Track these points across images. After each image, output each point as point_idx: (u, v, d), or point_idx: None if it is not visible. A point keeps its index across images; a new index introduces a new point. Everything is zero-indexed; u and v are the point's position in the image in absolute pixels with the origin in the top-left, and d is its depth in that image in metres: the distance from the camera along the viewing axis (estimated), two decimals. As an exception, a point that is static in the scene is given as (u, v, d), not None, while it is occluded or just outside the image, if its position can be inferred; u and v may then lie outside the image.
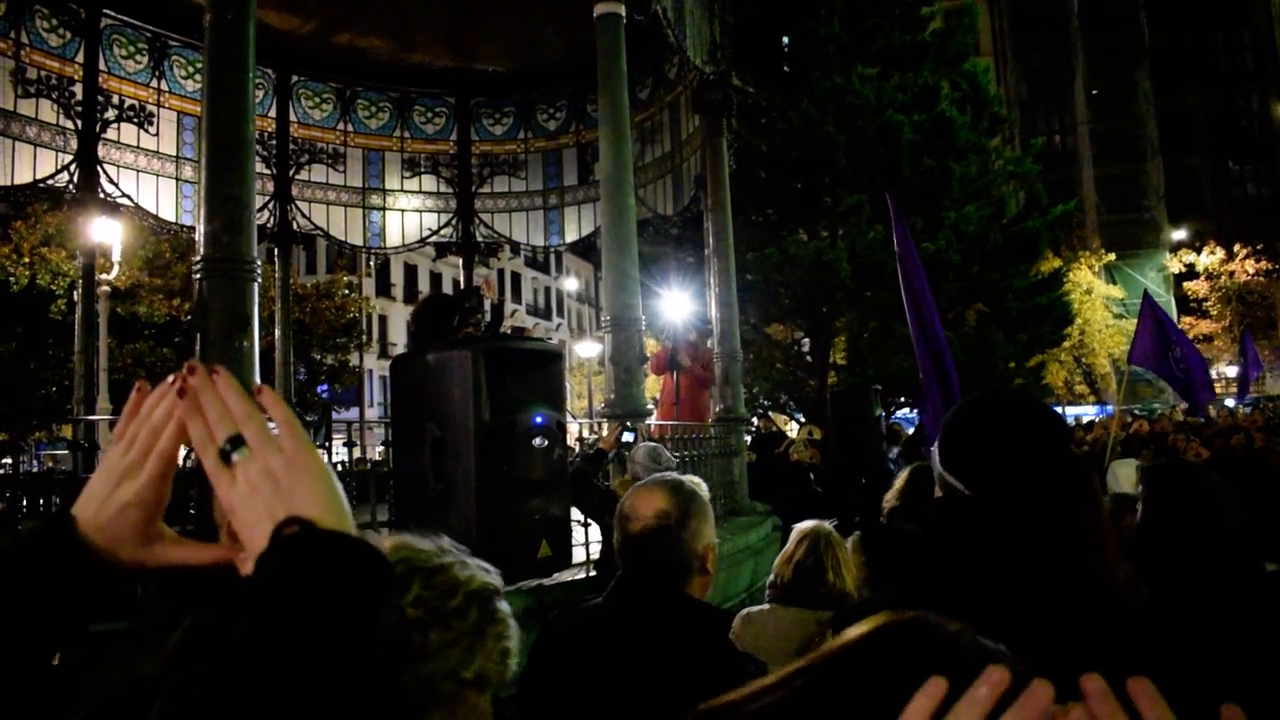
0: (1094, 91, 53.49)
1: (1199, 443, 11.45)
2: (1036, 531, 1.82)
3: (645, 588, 2.35)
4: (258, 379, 5.85)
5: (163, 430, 0.96)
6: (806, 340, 22.15)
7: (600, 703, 2.18)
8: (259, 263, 5.92)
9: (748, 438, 14.17)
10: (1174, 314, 44.57)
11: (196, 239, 5.92)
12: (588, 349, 40.91)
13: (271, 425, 0.92)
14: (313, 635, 0.77)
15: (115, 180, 10.93)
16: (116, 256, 15.20)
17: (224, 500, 0.90)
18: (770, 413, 22.24)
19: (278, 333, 13.28)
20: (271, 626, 0.77)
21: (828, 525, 3.72)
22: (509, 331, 10.38)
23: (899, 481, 4.19)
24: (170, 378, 0.96)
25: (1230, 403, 32.83)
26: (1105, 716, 0.68)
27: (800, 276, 18.86)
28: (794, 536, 3.69)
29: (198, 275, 5.68)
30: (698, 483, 2.91)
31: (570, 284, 60.40)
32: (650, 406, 8.28)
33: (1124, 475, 5.63)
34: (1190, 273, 42.67)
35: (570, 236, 14.00)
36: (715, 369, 9.90)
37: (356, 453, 8.26)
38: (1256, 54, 56.72)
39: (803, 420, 20.63)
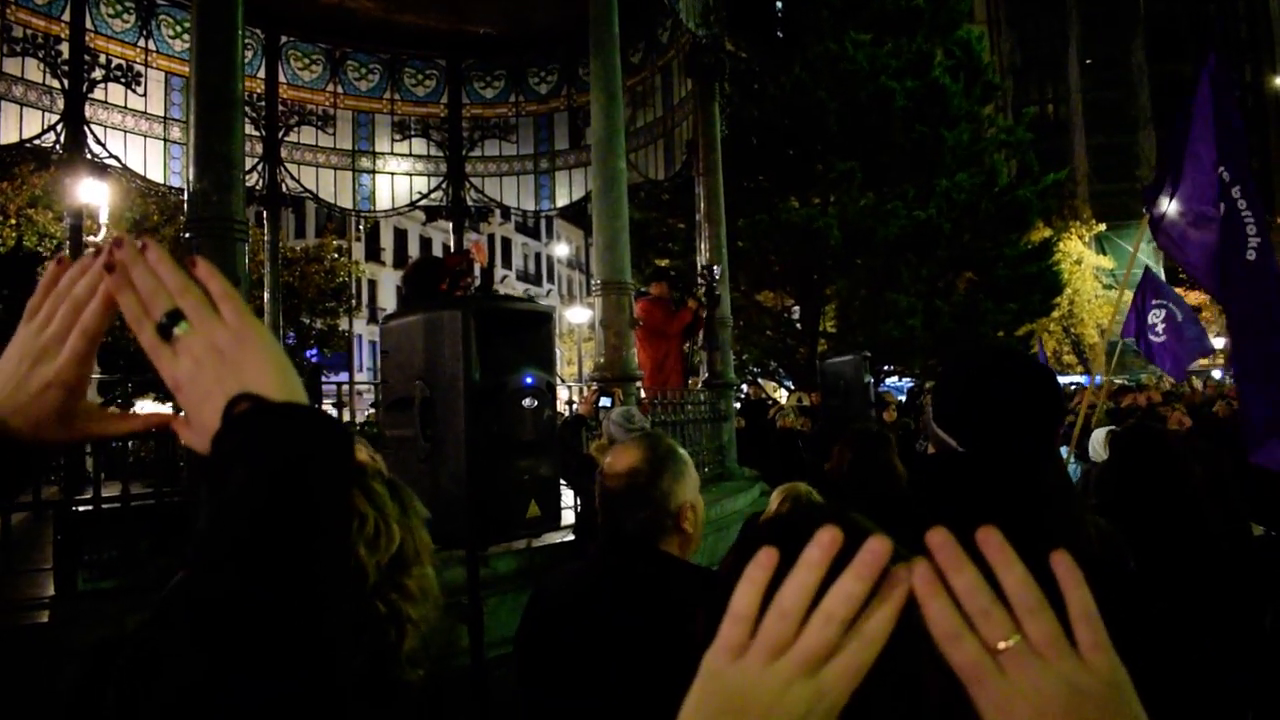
0: (1088, 61, 53.42)
1: (1183, 411, 11.53)
2: (1029, 488, 1.85)
3: (620, 543, 2.38)
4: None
5: (85, 306, 0.92)
6: (797, 307, 22.19)
7: (588, 656, 2.21)
8: (248, 223, 5.90)
9: (737, 404, 14.21)
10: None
11: (185, 200, 5.89)
12: (578, 314, 40.83)
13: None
14: (289, 512, 0.76)
15: (103, 141, 10.84)
16: (104, 218, 15.07)
17: (167, 377, 0.87)
18: (760, 379, 22.31)
19: (266, 296, 13.23)
20: (246, 506, 0.76)
21: (806, 485, 3.75)
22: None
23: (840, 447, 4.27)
24: (92, 251, 0.92)
25: (1217, 374, 33.05)
26: (951, 566, 0.69)
27: (791, 243, 18.87)
28: (775, 497, 3.73)
29: (186, 234, 5.66)
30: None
31: (561, 249, 60.22)
32: (640, 371, 8.28)
33: (1102, 441, 5.72)
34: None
35: (561, 201, 13.96)
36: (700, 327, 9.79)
37: (346, 415, 8.29)
38: (1250, 24, 56.61)
39: (792, 387, 20.70)
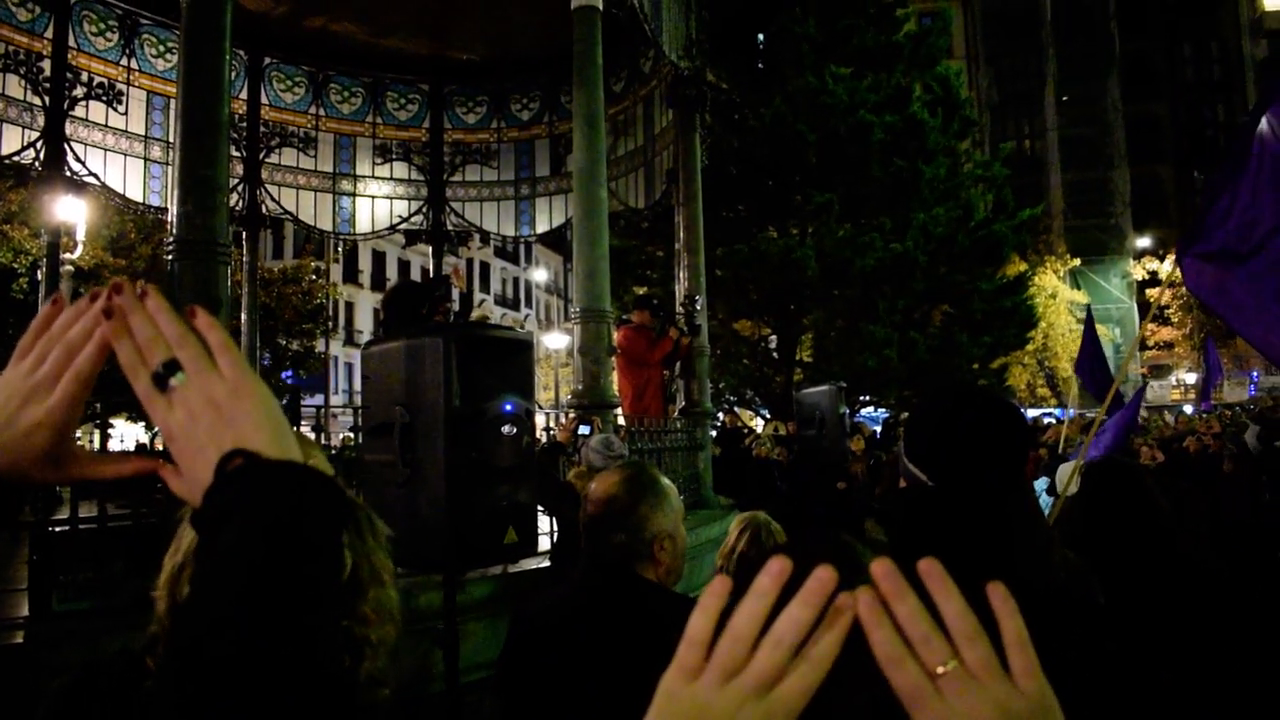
0: (1064, 98, 53.99)
1: (1155, 446, 11.66)
2: (999, 524, 1.89)
3: (599, 567, 2.43)
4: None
5: (79, 350, 0.91)
6: (774, 337, 22.29)
7: (569, 678, 2.24)
8: (231, 245, 5.91)
9: (714, 433, 14.25)
10: (1136, 320, 45.17)
11: (167, 220, 5.90)
12: (556, 340, 40.83)
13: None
14: (284, 571, 0.77)
15: (82, 158, 10.81)
16: (81, 236, 15.02)
17: (161, 427, 0.86)
18: (737, 408, 22.37)
19: (244, 317, 13.19)
20: (240, 564, 0.77)
21: (765, 515, 3.78)
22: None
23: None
24: (89, 295, 0.91)
25: (1189, 409, 33.41)
26: (893, 594, 0.73)
27: (769, 273, 18.99)
28: (733, 527, 3.75)
29: (169, 256, 5.66)
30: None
31: (539, 275, 60.30)
32: (618, 398, 8.30)
33: (1069, 474, 5.76)
34: (1153, 280, 43.19)
35: (541, 227, 14.00)
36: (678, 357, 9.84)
37: (323, 439, 8.25)
38: (1224, 65, 57.53)
39: (769, 416, 20.76)
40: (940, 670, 0.72)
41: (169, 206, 5.88)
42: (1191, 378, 44.17)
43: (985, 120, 46.30)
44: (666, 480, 2.57)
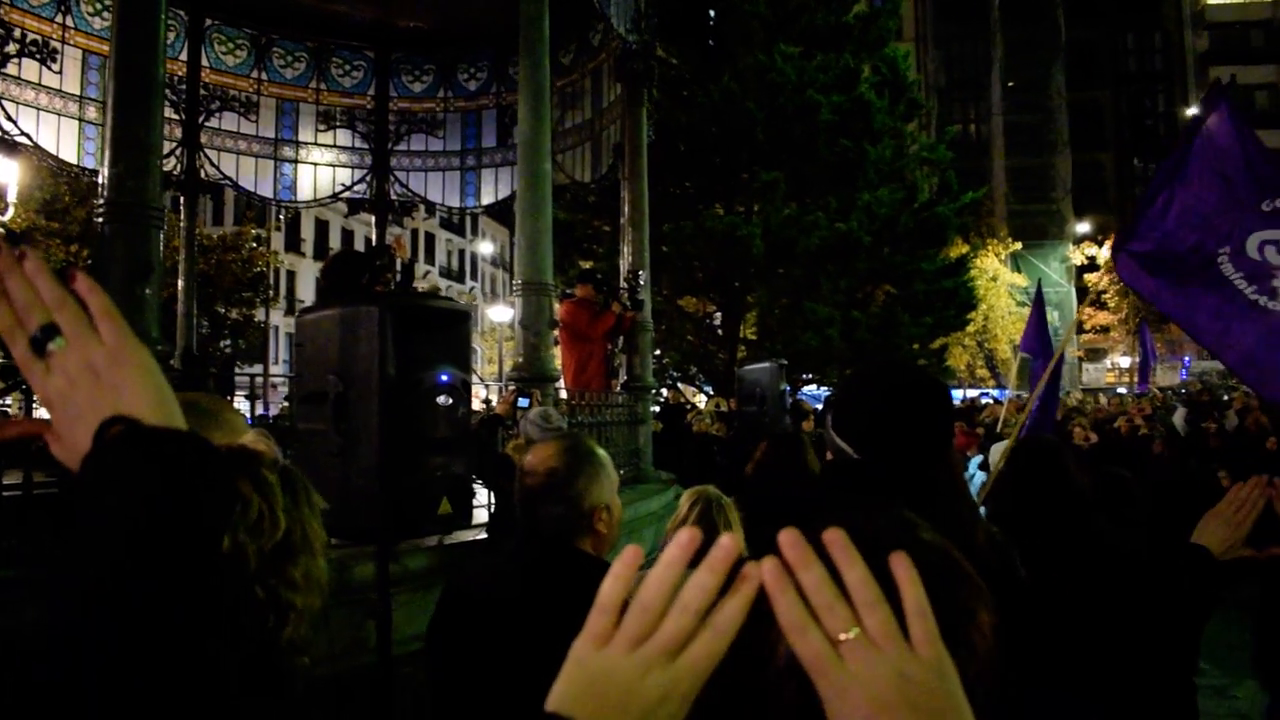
0: (1010, 83, 54.59)
1: (1087, 426, 11.92)
2: (921, 494, 1.94)
3: (536, 539, 2.43)
4: (157, 330, 5.74)
5: None
6: (718, 314, 22.37)
7: (499, 649, 2.25)
8: (165, 210, 5.80)
9: (656, 408, 14.29)
10: (1074, 304, 45.98)
11: (100, 182, 5.76)
12: (500, 313, 40.59)
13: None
14: (163, 540, 0.76)
15: (14, 117, 10.51)
16: (12, 197, 14.62)
17: (39, 393, 0.85)
18: (680, 384, 22.45)
19: (181, 284, 12.93)
20: (120, 534, 0.76)
21: (716, 489, 3.81)
22: (423, 292, 10.30)
23: (757, 452, 4.40)
24: None
25: (1122, 390, 34.12)
26: (799, 563, 0.75)
27: (714, 250, 19.02)
28: (684, 500, 3.78)
29: (100, 219, 5.54)
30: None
31: (485, 247, 59.86)
32: (558, 372, 8.28)
33: (999, 451, 5.89)
34: (1092, 265, 43.91)
35: (487, 199, 13.88)
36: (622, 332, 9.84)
37: (259, 408, 8.18)
38: (1166, 56, 58.55)
39: (711, 392, 20.85)
40: (843, 637, 0.74)
41: (101, 169, 5.75)
42: (1126, 361, 45.10)
43: (932, 103, 46.65)
44: (602, 451, 2.58)
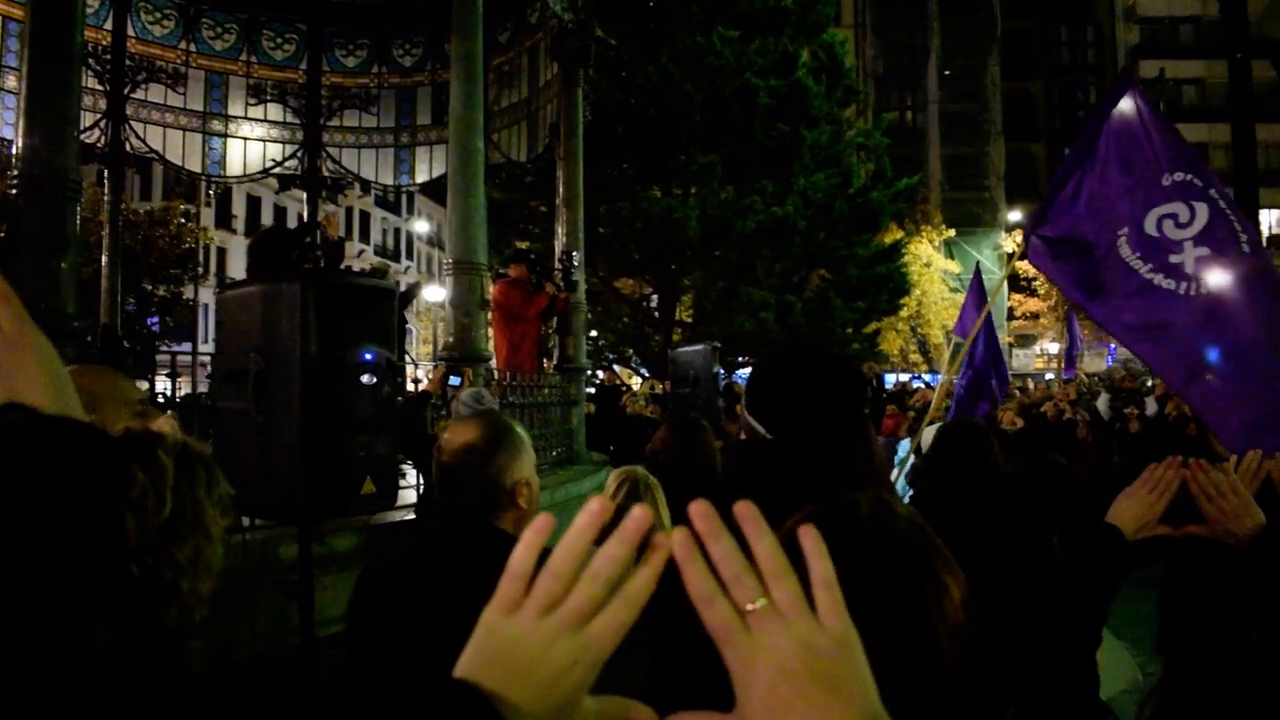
0: (946, 72, 55.28)
1: (1015, 411, 12.12)
2: (832, 475, 1.96)
3: (455, 518, 2.42)
4: (74, 305, 5.59)
5: None
6: (655, 296, 22.41)
7: (418, 628, 2.23)
8: (83, 182, 5.65)
9: (591, 389, 14.29)
10: (1005, 291, 46.79)
11: (15, 154, 5.60)
12: (436, 293, 40.20)
13: None
14: (60, 530, 0.75)
15: (-73, 85, 10.18)
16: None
17: None
18: (615, 366, 22.46)
19: (105, 259, 12.61)
20: (11, 524, 0.75)
21: (643, 470, 3.81)
22: (368, 270, 10.16)
23: (663, 431, 4.46)
24: None
25: (1050, 376, 34.80)
26: (709, 534, 0.75)
27: (651, 232, 19.04)
28: (611, 480, 3.78)
29: (14, 191, 5.39)
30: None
31: (421, 226, 59.17)
32: (489, 352, 8.21)
33: (929, 435, 5.98)
34: (1023, 252, 44.55)
35: (421, 177, 13.73)
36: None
37: (184, 387, 8.01)
38: (1098, 49, 59.72)
39: (647, 375, 20.90)
40: (750, 607, 0.74)
41: (17, 139, 5.59)
42: (1055, 348, 45.99)
43: (869, 90, 47.14)
44: (520, 428, 2.56)
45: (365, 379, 3.94)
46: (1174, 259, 4.24)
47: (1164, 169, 4.42)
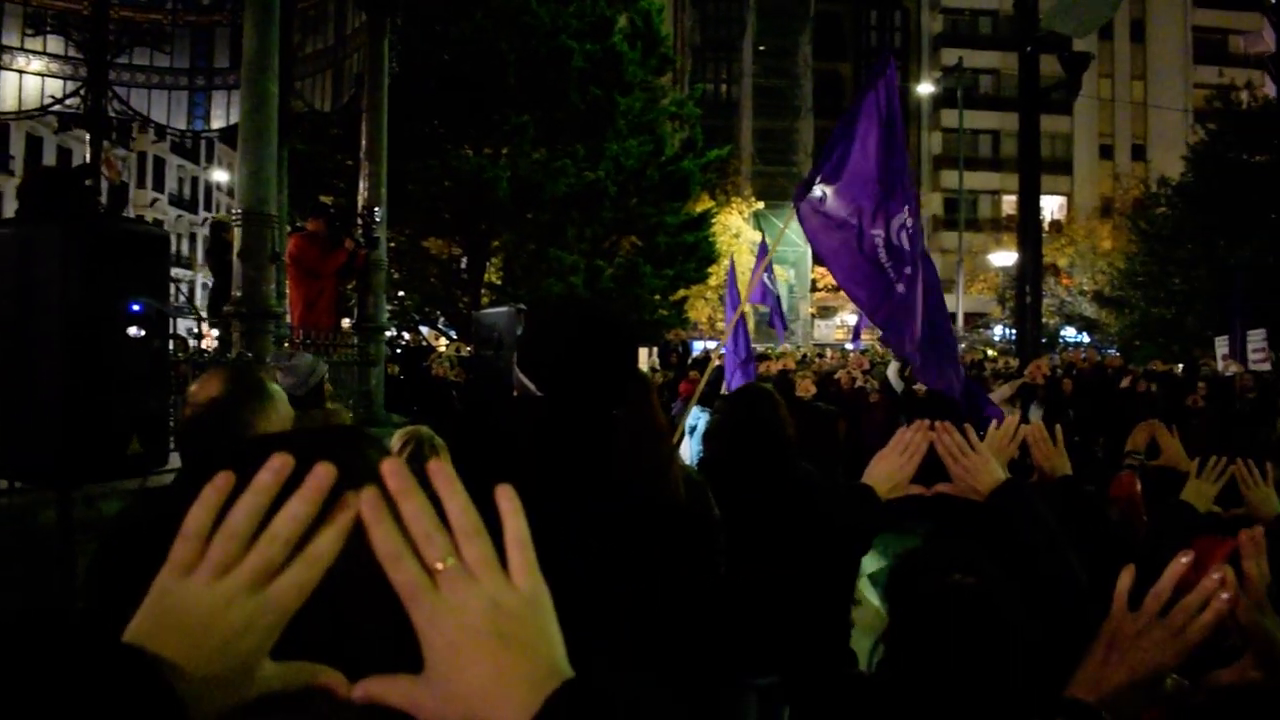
0: (761, 48, 56.56)
1: (811, 379, 12.60)
2: (601, 433, 1.98)
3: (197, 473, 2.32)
4: None
5: None
6: (464, 257, 22.15)
7: (121, 590, 2.15)
8: None
9: (397, 350, 14.02)
10: (809, 262, 48.43)
11: None
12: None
13: None
14: None
15: None
16: None
17: None
18: (422, 327, 22.12)
19: None
20: None
21: (429, 429, 3.77)
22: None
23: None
24: None
25: (850, 346, 36.30)
26: (400, 492, 0.74)
27: (461, 192, 18.79)
28: (395, 440, 3.72)
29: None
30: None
31: (220, 175, 56.40)
32: (279, 308, 7.86)
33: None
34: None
35: (218, 123, 13.01)
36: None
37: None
38: (905, 34, 62.23)
39: (454, 337, 20.68)
40: (439, 566, 0.73)
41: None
42: (854, 319, 47.96)
43: (686, 60, 47.69)
44: (274, 384, 2.47)
45: (133, 331, 3.74)
46: (908, 270, 4.84)
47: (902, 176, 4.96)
